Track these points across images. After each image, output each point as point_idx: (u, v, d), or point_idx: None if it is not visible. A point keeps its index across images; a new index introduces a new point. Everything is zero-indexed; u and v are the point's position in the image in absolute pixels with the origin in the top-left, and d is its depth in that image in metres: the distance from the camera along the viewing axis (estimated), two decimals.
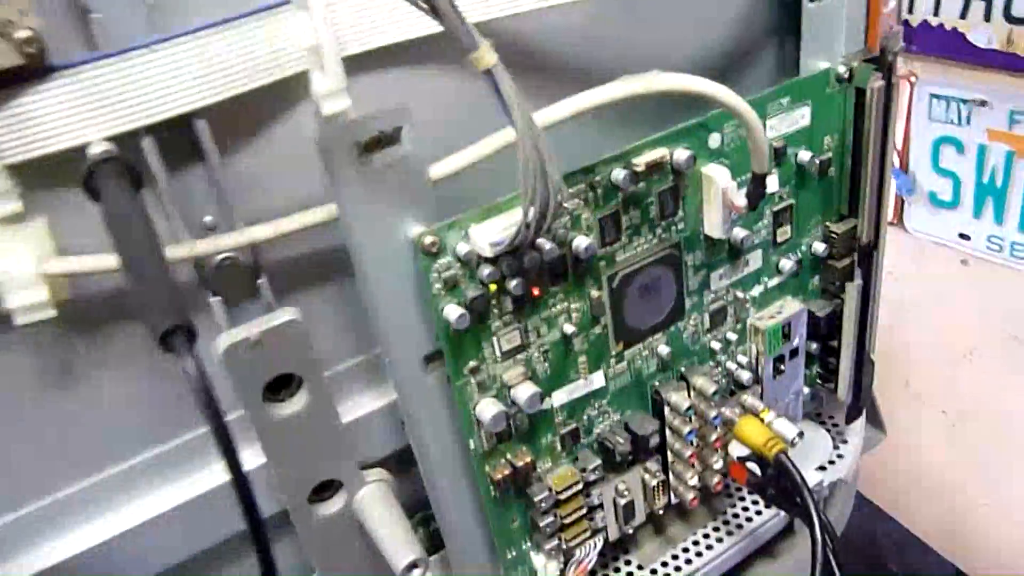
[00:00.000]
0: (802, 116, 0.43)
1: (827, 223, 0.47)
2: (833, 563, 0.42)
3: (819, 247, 0.47)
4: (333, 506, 0.39)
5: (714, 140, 0.40)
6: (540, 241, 0.36)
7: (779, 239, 0.45)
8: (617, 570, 0.51)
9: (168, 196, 0.31)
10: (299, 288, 0.37)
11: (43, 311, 0.29)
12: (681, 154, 0.38)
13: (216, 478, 0.37)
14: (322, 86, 0.32)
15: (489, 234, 0.34)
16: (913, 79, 0.85)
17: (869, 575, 1.28)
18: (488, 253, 0.34)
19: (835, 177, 0.46)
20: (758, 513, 0.51)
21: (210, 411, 0.17)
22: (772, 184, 0.43)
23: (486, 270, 0.35)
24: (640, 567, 0.50)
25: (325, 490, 0.39)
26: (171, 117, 0.30)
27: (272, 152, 0.34)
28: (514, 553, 0.44)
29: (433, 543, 0.45)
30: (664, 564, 0.50)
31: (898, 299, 1.00)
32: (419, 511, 0.44)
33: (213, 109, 0.31)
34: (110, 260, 0.30)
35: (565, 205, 0.35)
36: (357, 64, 0.34)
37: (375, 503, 0.38)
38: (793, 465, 0.43)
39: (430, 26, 0.35)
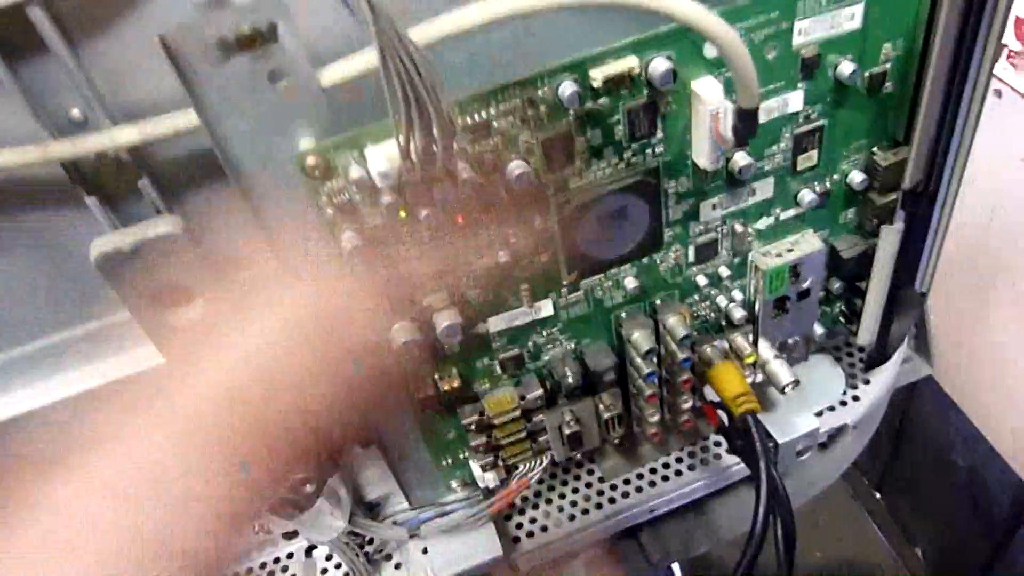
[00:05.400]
0: (850, 17, 0.33)
1: (875, 149, 0.38)
2: (782, 545, 0.38)
3: (857, 177, 0.38)
4: None
5: (713, 47, 0.31)
6: (460, 166, 0.30)
7: (800, 166, 0.37)
8: (577, 477, 0.49)
9: (16, 90, 0.28)
10: (197, 185, 0.33)
11: None
12: (659, 65, 0.30)
13: (120, 369, 0.36)
14: None
15: (381, 161, 0.28)
16: None
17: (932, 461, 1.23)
18: (379, 184, 0.29)
19: (893, 93, 0.36)
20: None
21: None
22: (796, 102, 0.35)
23: (385, 199, 0.30)
24: (601, 479, 0.48)
25: None
26: None
27: (150, 36, 0.29)
28: (450, 461, 0.43)
29: None
30: (627, 482, 0.48)
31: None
32: None
33: None
34: None
35: (456, 140, 0.28)
36: None
37: None
38: (758, 430, 0.39)
39: None
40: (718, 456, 0.48)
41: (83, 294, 0.34)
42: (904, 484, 1.38)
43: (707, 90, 0.31)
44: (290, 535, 0.49)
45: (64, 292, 0.34)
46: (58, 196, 0.32)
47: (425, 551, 0.45)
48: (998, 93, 0.86)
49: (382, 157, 0.29)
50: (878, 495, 1.45)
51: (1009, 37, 0.81)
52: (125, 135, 0.29)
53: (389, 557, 0.46)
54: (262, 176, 0.29)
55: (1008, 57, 0.82)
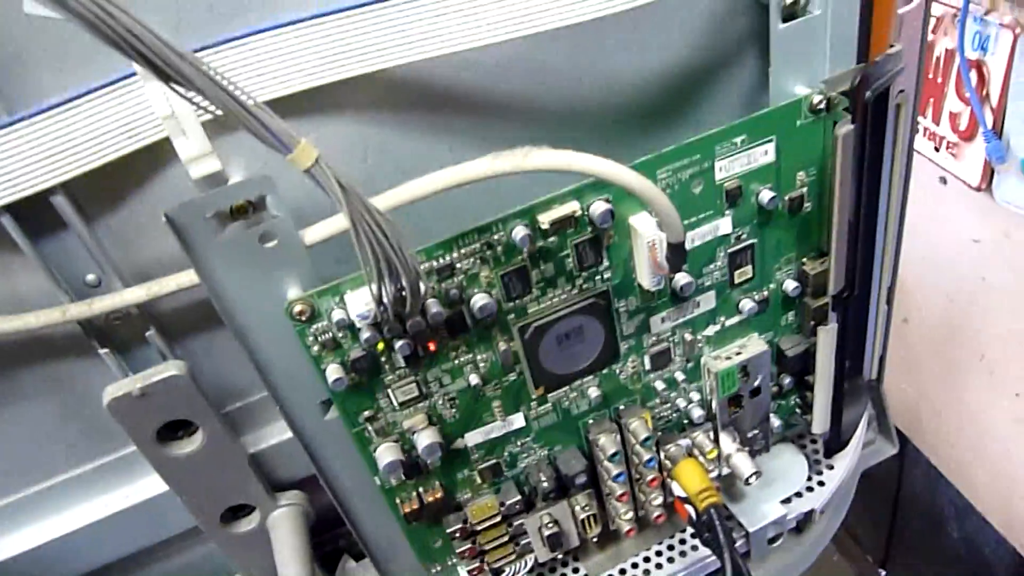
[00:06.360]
0: (764, 153, 0.37)
1: (804, 260, 0.42)
2: None
3: (790, 285, 0.42)
4: (246, 526, 0.41)
5: None
6: (429, 302, 0.34)
7: (737, 280, 0.41)
8: None
9: (39, 263, 0.32)
10: (198, 329, 0.37)
11: None
12: (598, 207, 0.35)
13: (129, 498, 0.40)
14: (186, 151, 0.31)
15: (359, 304, 0.32)
16: (1019, 30, 0.72)
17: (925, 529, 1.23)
18: (359, 324, 0.33)
19: (813, 211, 0.40)
20: None
21: None
22: (725, 226, 0.39)
23: (365, 335, 0.34)
24: None
25: (240, 510, 0.41)
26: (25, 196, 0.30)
27: (153, 208, 0.33)
28: (438, 568, 0.45)
29: None
30: None
31: (980, 270, 0.90)
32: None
33: (76, 180, 0.31)
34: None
35: (423, 288, 0.32)
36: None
37: (280, 530, 0.40)
38: (720, 522, 0.41)
39: (311, 78, 0.32)
40: (695, 547, 0.50)
41: (94, 432, 0.38)
42: (907, 559, 1.38)
43: (642, 224, 0.36)
44: None
45: (78, 431, 0.38)
46: (73, 347, 0.36)
47: None
48: (943, 180, 0.92)
49: (360, 301, 0.33)
50: (883, 572, 1.45)
51: (945, 129, 0.88)
52: (134, 295, 0.33)
53: None
54: (255, 322, 0.33)
55: (947, 148, 0.88)
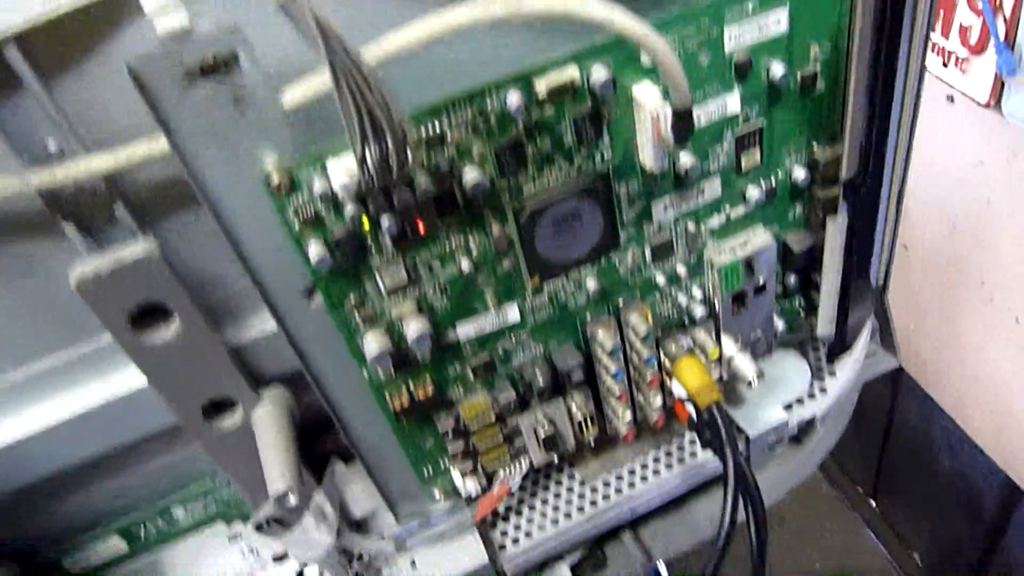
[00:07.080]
0: (777, 21, 0.35)
1: (814, 145, 0.40)
2: (753, 528, 0.40)
3: (800, 174, 0.40)
4: (229, 422, 0.39)
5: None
6: (418, 176, 0.32)
7: (744, 166, 0.39)
8: (559, 483, 0.50)
9: None
10: (172, 209, 0.35)
11: None
12: (599, 74, 0.32)
13: (106, 392, 0.38)
14: (151, 2, 0.28)
15: (342, 173, 0.30)
16: None
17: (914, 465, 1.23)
18: (341, 195, 0.30)
19: (826, 92, 0.38)
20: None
21: None
22: (733, 104, 0.37)
23: (348, 209, 0.31)
24: (582, 483, 0.50)
25: (223, 406, 0.39)
26: None
27: (120, 73, 0.31)
28: (431, 470, 0.44)
29: None
30: (606, 484, 0.49)
31: (986, 193, 0.88)
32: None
33: (31, 33, 0.28)
34: None
35: (410, 152, 0.29)
36: None
37: (264, 425, 0.38)
38: (722, 418, 0.40)
39: None
40: (693, 454, 0.49)
41: (65, 320, 0.36)
42: (897, 490, 1.39)
43: (646, 95, 0.33)
44: (280, 558, 0.50)
45: (46, 319, 0.36)
46: (36, 225, 0.33)
47: (414, 564, 0.46)
48: (951, 99, 0.89)
49: (343, 170, 0.30)
50: (873, 503, 1.46)
51: (955, 43, 0.85)
52: (99, 162, 0.30)
53: (379, 573, 0.47)
54: (230, 195, 0.31)
55: (956, 63, 0.85)
